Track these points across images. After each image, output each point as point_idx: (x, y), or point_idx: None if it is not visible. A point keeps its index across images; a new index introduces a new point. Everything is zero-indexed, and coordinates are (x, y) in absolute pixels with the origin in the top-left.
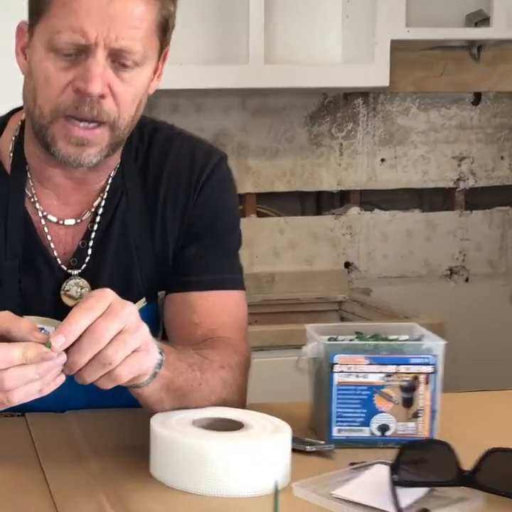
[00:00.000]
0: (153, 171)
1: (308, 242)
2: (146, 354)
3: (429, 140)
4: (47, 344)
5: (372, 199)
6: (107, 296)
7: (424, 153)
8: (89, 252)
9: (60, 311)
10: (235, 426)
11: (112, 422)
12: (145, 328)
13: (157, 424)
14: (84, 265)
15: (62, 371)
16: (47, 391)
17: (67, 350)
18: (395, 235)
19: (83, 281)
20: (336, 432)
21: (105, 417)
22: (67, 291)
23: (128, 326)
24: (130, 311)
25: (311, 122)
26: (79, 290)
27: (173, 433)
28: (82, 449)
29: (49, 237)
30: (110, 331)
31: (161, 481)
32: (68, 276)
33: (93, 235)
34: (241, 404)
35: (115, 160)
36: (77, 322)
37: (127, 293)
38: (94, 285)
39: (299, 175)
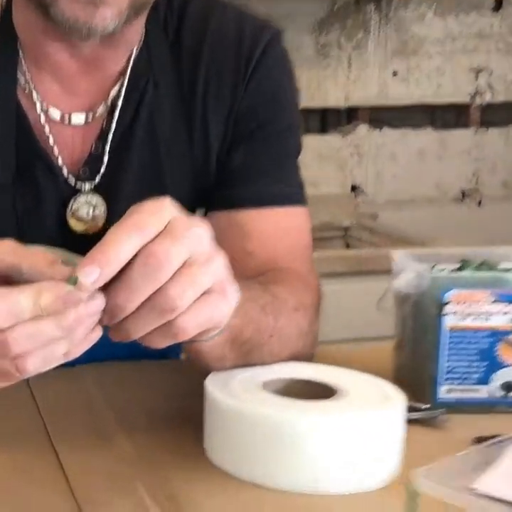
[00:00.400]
0: (189, 48)
1: (313, 164)
2: (222, 298)
3: (445, 50)
4: (70, 280)
5: (382, 116)
6: (165, 208)
7: (439, 64)
8: (105, 159)
9: (66, 239)
10: (320, 391)
11: (141, 379)
12: (221, 260)
13: (216, 388)
14: (99, 177)
15: (99, 322)
16: (76, 353)
17: (104, 290)
18: (405, 156)
19: (96, 198)
20: (443, 393)
21: (131, 371)
22: (76, 211)
23: (197, 254)
24: (200, 233)
25: (319, 30)
26: (90, 210)
27: (244, 403)
28: (105, 420)
29: (51, 140)
30: (173, 260)
31: (224, 469)
32: (77, 191)
33: (110, 136)
34: (311, 357)
35: (137, 33)
36: (118, 245)
37: None
38: (112, 203)
39: (303, 89)
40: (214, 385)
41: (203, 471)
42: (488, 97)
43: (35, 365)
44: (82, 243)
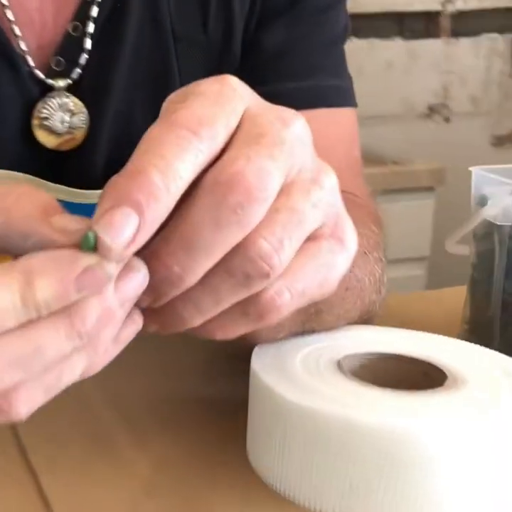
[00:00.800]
0: None
1: None
2: (337, 245)
3: None
4: (84, 243)
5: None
6: (233, 90)
7: None
8: (88, 43)
9: (31, 159)
10: (421, 373)
11: (146, 356)
12: (333, 178)
13: (272, 375)
14: (79, 70)
15: (136, 304)
16: (99, 366)
17: (144, 251)
18: (373, 68)
19: (75, 101)
20: None
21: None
22: (45, 119)
23: (295, 172)
24: (300, 132)
25: None
26: (66, 118)
27: (325, 402)
28: (104, 424)
29: (9, 14)
30: (268, 188)
31: (294, 501)
32: (47, 90)
33: (94, 10)
34: (377, 315)
35: None
36: (168, 163)
37: None
38: (97, 108)
39: None
40: (267, 370)
41: (266, 502)
42: (459, 4)
43: (32, 402)
44: (55, 165)
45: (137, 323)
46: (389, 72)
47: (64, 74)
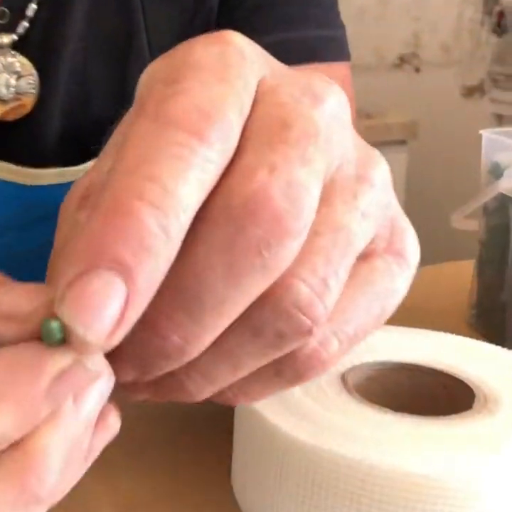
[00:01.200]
0: None
1: None
2: (395, 263)
3: None
4: (46, 335)
5: None
6: (241, 54)
7: None
8: None
9: None
10: (441, 387)
11: None
12: (384, 168)
13: (268, 407)
14: (26, 23)
15: (118, 378)
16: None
17: None
18: (344, 16)
19: (21, 60)
20: None
21: None
22: None
23: (333, 169)
24: (337, 113)
25: None
26: (12, 80)
27: (334, 437)
28: None
29: None
30: (304, 206)
31: None
32: None
33: None
34: None
35: None
36: (165, 194)
37: (122, 95)
38: (47, 69)
39: None
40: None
41: None
42: None
43: None
44: (1, 139)
45: (113, 428)
46: (360, 20)
47: (8, 28)
